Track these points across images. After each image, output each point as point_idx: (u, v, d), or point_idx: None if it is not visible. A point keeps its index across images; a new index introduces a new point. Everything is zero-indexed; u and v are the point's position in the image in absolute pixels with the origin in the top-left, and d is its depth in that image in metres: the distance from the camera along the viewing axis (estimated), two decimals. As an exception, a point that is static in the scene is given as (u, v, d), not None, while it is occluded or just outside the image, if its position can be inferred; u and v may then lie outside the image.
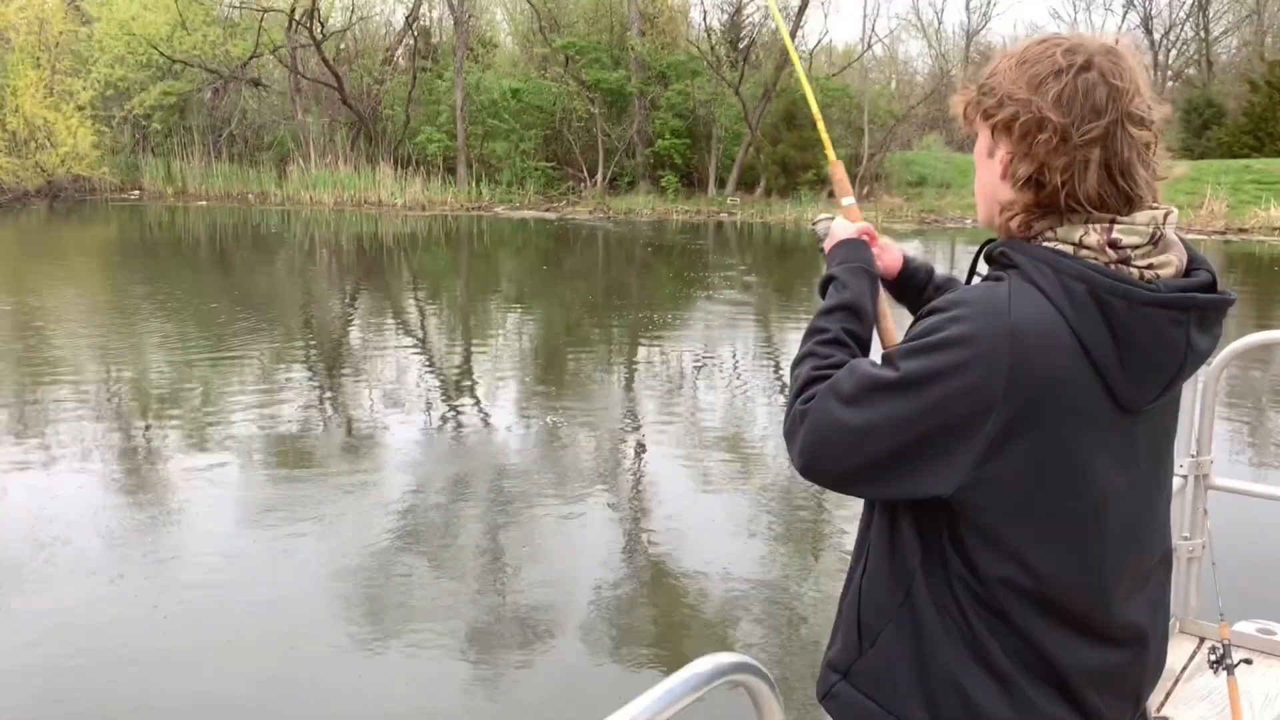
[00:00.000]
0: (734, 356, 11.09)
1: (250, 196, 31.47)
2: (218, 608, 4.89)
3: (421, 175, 31.33)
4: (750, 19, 34.11)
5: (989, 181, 1.45)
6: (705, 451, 7.51)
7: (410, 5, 35.48)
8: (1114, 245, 1.34)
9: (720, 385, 9.67)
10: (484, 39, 38.04)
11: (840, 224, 1.79)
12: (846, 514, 6.25)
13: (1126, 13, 45.96)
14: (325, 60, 32.22)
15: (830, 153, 2.06)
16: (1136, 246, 1.35)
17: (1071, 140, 1.33)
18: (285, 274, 18.23)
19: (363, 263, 20.10)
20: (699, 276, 17.74)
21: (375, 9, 37.90)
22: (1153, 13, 44.88)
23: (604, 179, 31.57)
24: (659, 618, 5.01)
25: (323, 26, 32.91)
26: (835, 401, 1.40)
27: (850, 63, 34.55)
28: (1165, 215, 1.37)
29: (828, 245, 1.79)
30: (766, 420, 8.27)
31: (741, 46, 32.94)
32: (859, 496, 1.49)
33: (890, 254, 1.85)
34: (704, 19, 34.71)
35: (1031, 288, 1.33)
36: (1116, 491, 1.39)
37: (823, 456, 1.41)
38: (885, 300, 1.77)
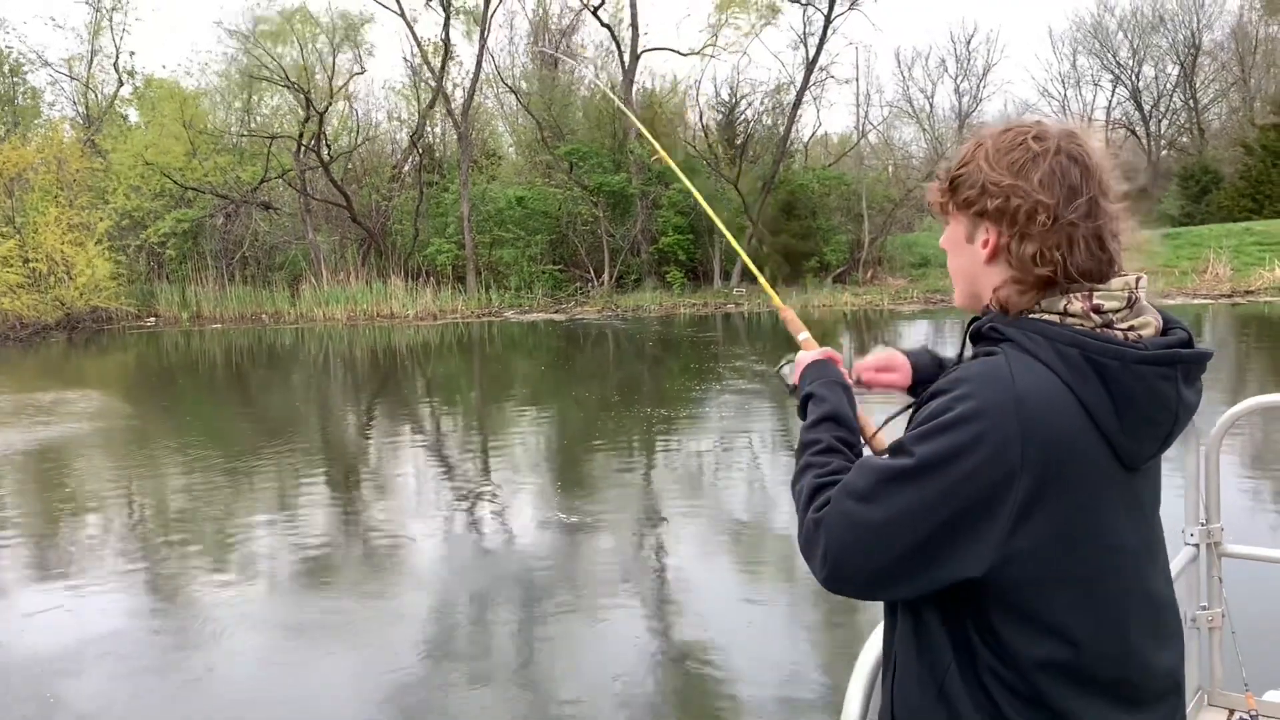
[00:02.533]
0: (750, 447, 11.09)
1: (264, 316, 32.01)
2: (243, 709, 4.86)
3: (432, 285, 31.87)
4: (743, 116, 34.97)
5: (969, 265, 1.52)
6: (731, 548, 7.46)
7: (415, 124, 36.50)
8: (1097, 310, 1.40)
9: (740, 477, 9.66)
10: (488, 151, 39.04)
11: (802, 354, 1.86)
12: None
13: (1115, 87, 46.97)
14: (333, 180, 33.11)
15: (777, 300, 2.16)
16: (1116, 310, 1.41)
17: (1062, 219, 1.40)
18: (302, 390, 18.42)
19: (377, 374, 20.30)
20: (710, 368, 17.84)
21: (381, 128, 39.05)
22: (1140, 86, 45.84)
23: (610, 278, 32.03)
24: (688, 714, 4.94)
25: (329, 148, 33.91)
26: (852, 501, 1.39)
27: (845, 152, 35.24)
28: (1137, 280, 1.44)
29: (795, 374, 1.83)
30: (789, 511, 8.24)
31: (738, 143, 33.69)
32: (889, 598, 1.46)
33: (895, 366, 1.93)
34: (700, 118, 35.55)
35: (1028, 357, 1.38)
36: (1134, 549, 1.43)
37: (847, 561, 1.38)
38: (863, 409, 1.79)
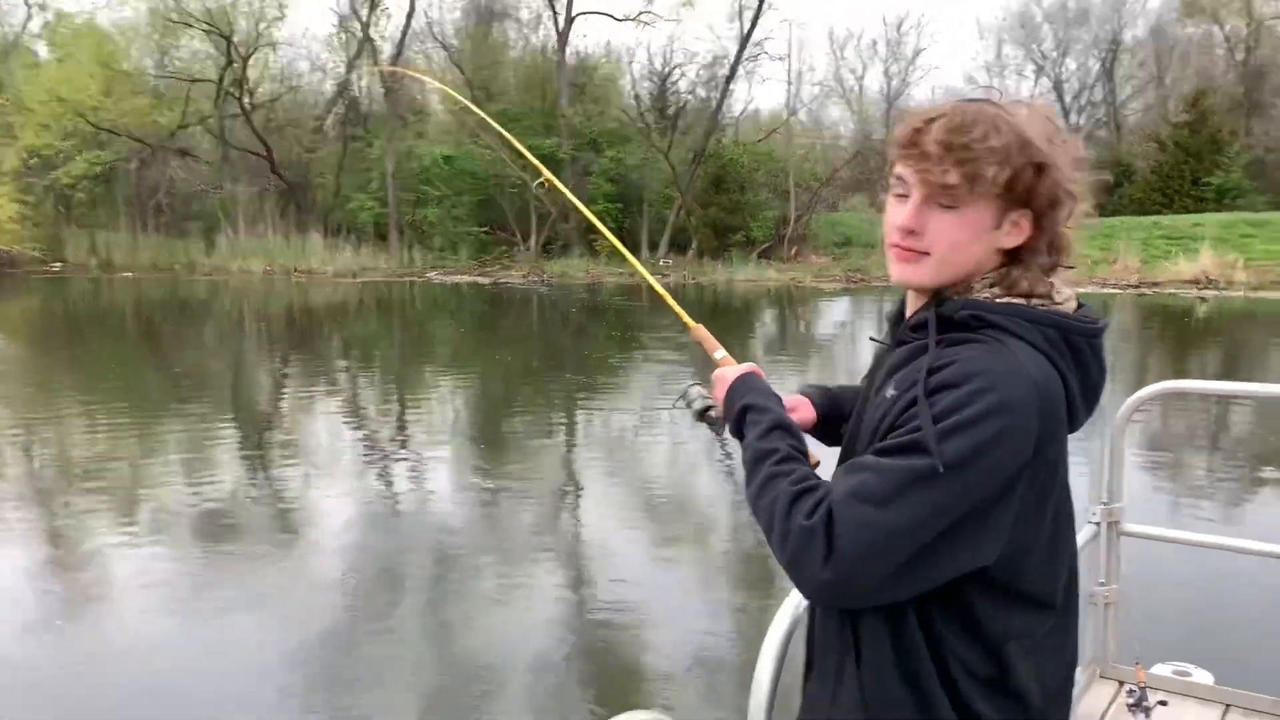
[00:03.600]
0: (672, 417, 11.15)
1: (177, 267, 31.01)
2: (153, 688, 4.74)
3: (353, 242, 31.22)
4: (676, 87, 34.89)
5: (985, 250, 1.43)
6: (646, 513, 7.49)
7: (340, 75, 35.64)
8: (1053, 288, 1.44)
9: (661, 446, 9.71)
10: (415, 107, 38.30)
11: (721, 371, 1.75)
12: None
13: (1038, 78, 47.96)
14: (254, 129, 32.14)
15: (687, 318, 1.99)
16: (1053, 287, 1.44)
17: (1067, 204, 1.42)
18: (215, 346, 17.94)
19: (293, 332, 19.87)
20: (634, 337, 17.86)
21: (305, 79, 38.01)
22: (1063, 77, 46.95)
23: (537, 243, 31.78)
24: (598, 681, 4.97)
25: (251, 96, 32.87)
26: (868, 506, 1.31)
27: (775, 128, 35.41)
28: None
29: (718, 392, 1.72)
30: (708, 479, 8.33)
31: (670, 114, 33.61)
32: (899, 598, 1.37)
33: (794, 406, 1.78)
34: (633, 88, 35.36)
35: (1027, 345, 1.37)
36: (1071, 513, 1.48)
37: (863, 568, 1.31)
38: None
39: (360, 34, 34.02)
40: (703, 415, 1.84)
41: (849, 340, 16.30)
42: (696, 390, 1.86)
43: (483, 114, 2.99)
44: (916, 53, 49.68)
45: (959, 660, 1.38)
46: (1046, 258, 1.43)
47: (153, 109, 32.72)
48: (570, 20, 33.29)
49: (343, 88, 35.73)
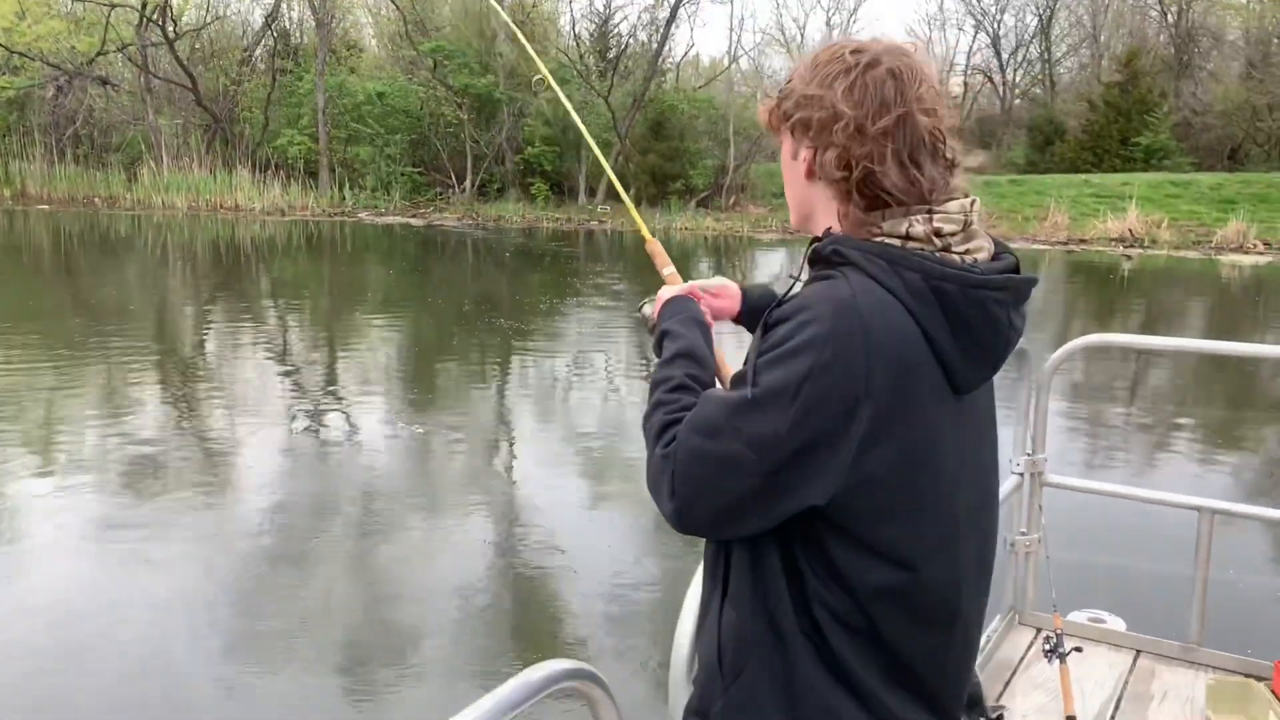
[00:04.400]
0: (606, 365, 11.11)
1: (97, 200, 29.93)
2: (71, 639, 4.61)
3: (281, 179, 30.40)
4: (617, 29, 34.38)
5: (797, 184, 1.49)
6: (577, 462, 7.47)
7: (269, 5, 34.42)
8: (938, 234, 1.38)
9: (593, 394, 9.67)
10: (347, 41, 37.22)
11: (665, 289, 1.81)
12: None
13: (977, 33, 48.28)
14: (179, 59, 30.98)
15: (645, 230, 2.09)
16: (953, 234, 1.39)
17: (867, 132, 1.38)
18: (137, 283, 17.39)
19: (219, 270, 19.34)
20: (571, 284, 17.74)
21: (232, 8, 36.67)
22: (1001, 33, 47.25)
23: (473, 185, 31.29)
24: (524, 630, 4.96)
25: (175, 24, 31.64)
26: (698, 437, 1.35)
27: (716, 75, 35.17)
28: (971, 203, 1.42)
29: (655, 309, 1.78)
30: (639, 431, 8.32)
31: (610, 56, 33.14)
32: (738, 534, 1.40)
33: (728, 294, 1.89)
34: (573, 28, 34.76)
35: (871, 282, 1.34)
36: (965, 479, 1.44)
37: (696, 498, 1.35)
38: (721, 347, 1.75)
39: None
40: (651, 330, 1.90)
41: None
42: (650, 305, 1.90)
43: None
44: (859, 3, 49.39)
45: (825, 607, 1.37)
46: (856, 193, 1.40)
47: (70, 34, 31.29)
48: (510, -45, 32.46)
49: (271, 18, 34.53)
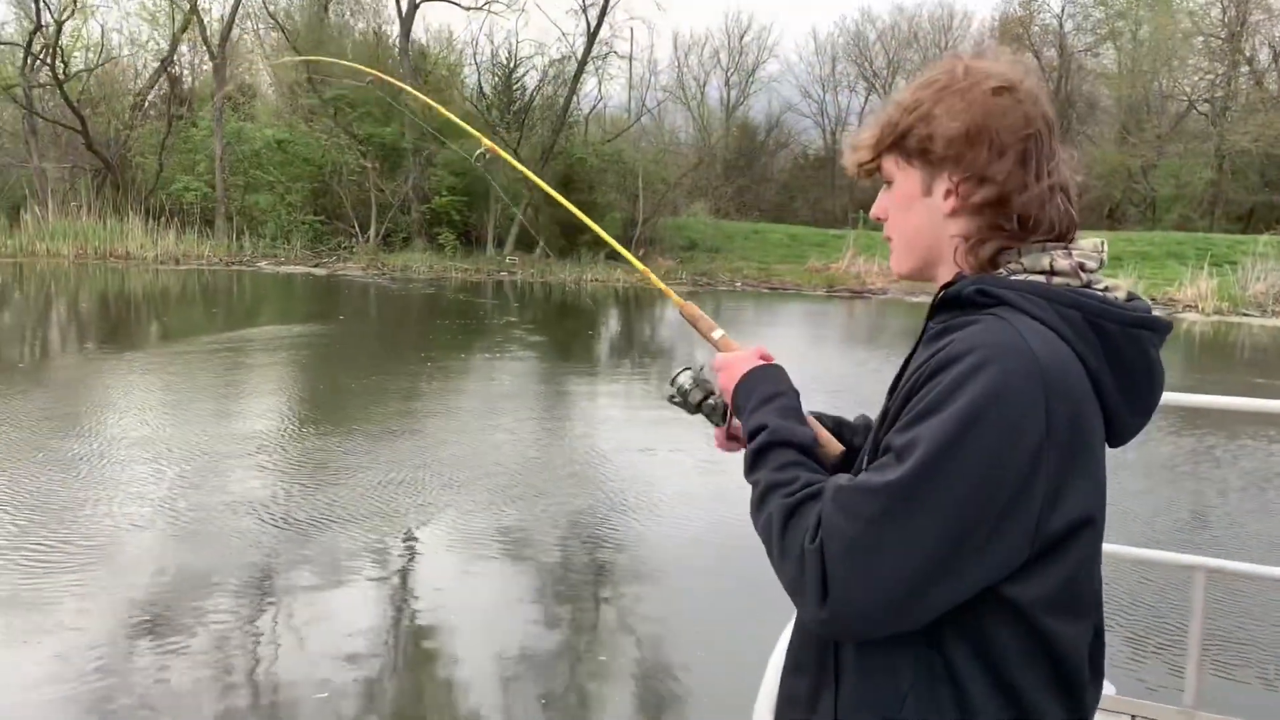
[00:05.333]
0: (521, 420, 10.89)
1: (-27, 247, 28.39)
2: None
3: (175, 227, 29.37)
4: (521, 82, 34.46)
5: (929, 222, 1.36)
6: (484, 523, 7.16)
7: (165, 49, 33.50)
8: (1083, 268, 1.29)
9: (506, 449, 9.43)
10: (244, 86, 36.44)
11: (726, 358, 1.58)
12: (628, 577, 6.17)
13: (869, 95, 49.98)
14: (68, 101, 29.81)
15: (675, 297, 1.88)
16: (1094, 271, 1.31)
17: (1030, 160, 1.29)
18: (13, 334, 16.45)
19: (105, 321, 18.45)
20: (481, 334, 17.46)
21: (124, 51, 35.56)
22: (895, 92, 49.05)
23: (377, 235, 30.76)
24: (411, 702, 4.69)
25: (65, 65, 30.48)
26: (853, 520, 1.17)
27: (622, 130, 35.53)
28: (1102, 242, 1.35)
29: (724, 382, 1.55)
30: (551, 487, 8.14)
31: (515, 110, 33.16)
32: (917, 625, 1.21)
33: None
34: (479, 79, 34.71)
35: (1033, 321, 1.22)
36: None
37: (857, 594, 1.16)
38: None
39: (187, 6, 31.97)
40: (700, 406, 1.65)
41: (689, 342, 16.38)
42: (687, 376, 1.66)
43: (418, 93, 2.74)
44: (757, 65, 50.68)
45: (974, 706, 1.21)
46: (1010, 226, 1.30)
47: (-53, 71, 29.90)
48: (415, 6, 32.36)
49: (167, 61, 33.59)
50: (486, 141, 2.43)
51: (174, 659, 4.85)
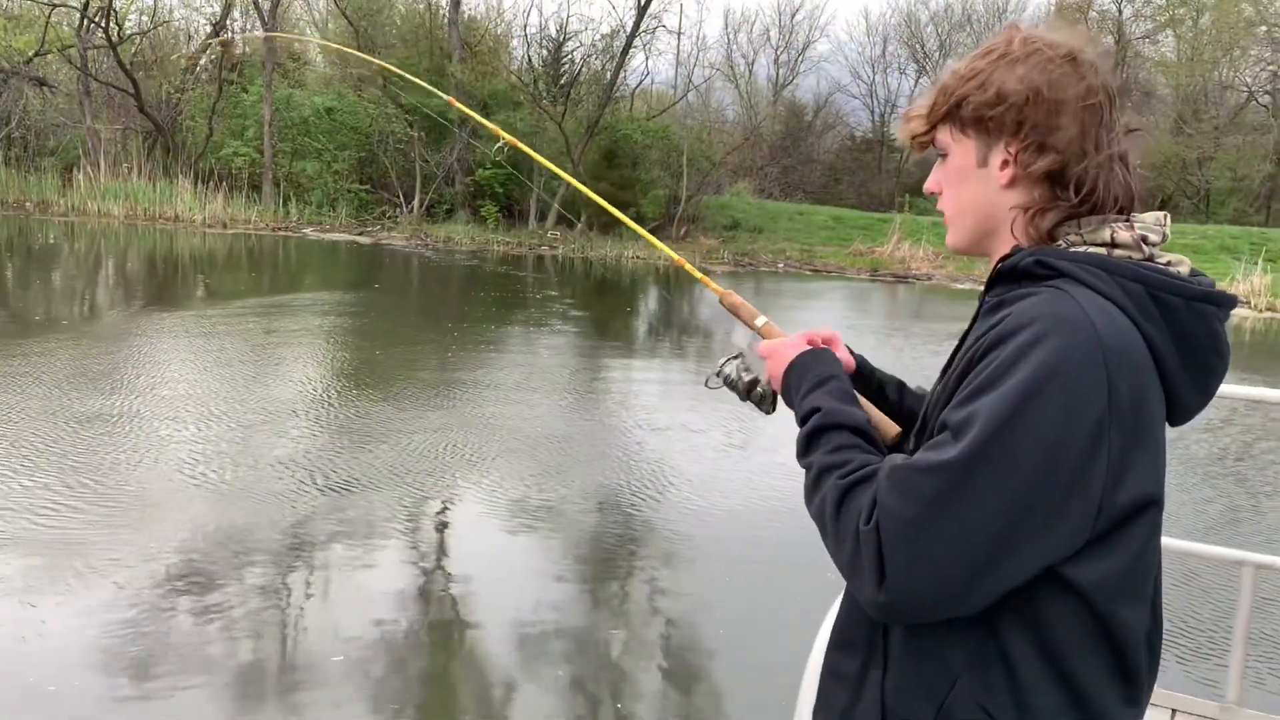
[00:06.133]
0: (555, 394, 10.91)
1: (29, 205, 28.88)
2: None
3: (224, 191, 29.69)
4: (570, 55, 34.36)
5: (985, 194, 1.33)
6: (517, 494, 7.17)
7: (218, 13, 33.77)
8: (1145, 241, 1.25)
9: (542, 418, 9.45)
10: (294, 54, 36.66)
11: (772, 344, 1.56)
12: (655, 556, 6.17)
13: (920, 77, 49.24)
14: (121, 63, 30.15)
15: (716, 287, 1.85)
16: (1157, 244, 1.27)
17: (1089, 130, 1.25)
18: (64, 292, 16.74)
19: (153, 281, 18.72)
20: (522, 308, 17.52)
21: (177, 15, 35.91)
22: (948, 66, 48.30)
23: (421, 205, 30.91)
24: (438, 674, 4.71)
25: (119, 28, 30.83)
26: (911, 501, 1.14)
27: (669, 106, 35.32)
28: (1166, 215, 1.30)
29: (773, 368, 1.53)
30: (584, 461, 8.15)
31: (562, 83, 33.10)
32: (963, 613, 1.18)
33: (838, 344, 1.63)
34: (526, 50, 34.67)
35: (1093, 293, 1.18)
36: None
37: (916, 575, 1.13)
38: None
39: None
40: (749, 393, 1.64)
41: (727, 321, 16.40)
42: (734, 365, 1.65)
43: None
44: (807, 44, 50.11)
45: (1027, 690, 1.18)
46: (1069, 196, 1.26)
47: (6, 32, 30.31)
48: (466, -24, 32.29)
49: (220, 26, 33.87)
50: (505, 135, 2.41)
51: (206, 617, 4.92)
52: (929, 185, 1.42)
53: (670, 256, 2.04)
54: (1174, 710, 3.24)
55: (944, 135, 1.36)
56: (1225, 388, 2.67)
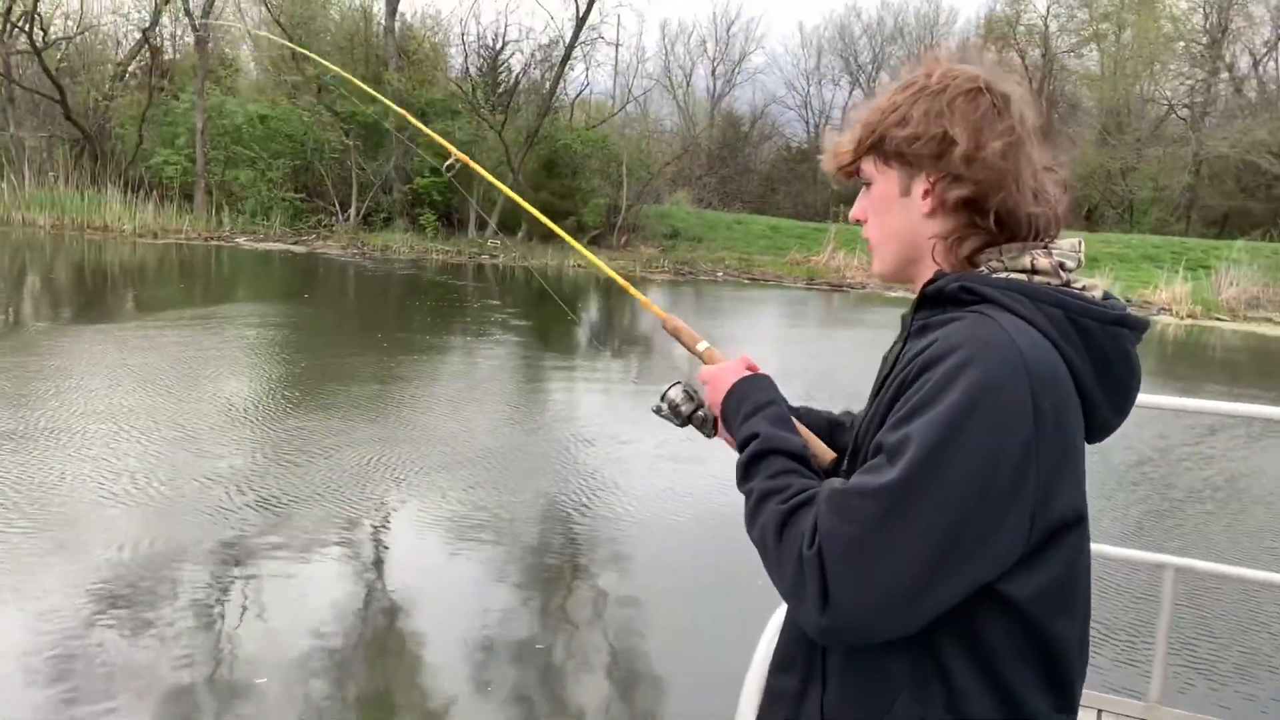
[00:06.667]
0: (494, 404, 10.86)
1: (-53, 214, 27.98)
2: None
3: (154, 201, 29.04)
4: (507, 64, 34.25)
5: (908, 222, 1.37)
6: (456, 507, 7.13)
7: (148, 19, 33.04)
8: (1063, 268, 1.30)
9: (480, 431, 9.41)
10: (226, 61, 36.05)
11: (712, 370, 1.57)
12: (595, 566, 6.19)
13: (853, 89, 50.03)
14: (46, 69, 29.38)
15: (659, 311, 1.85)
16: (1073, 270, 1.32)
17: (1005, 161, 1.30)
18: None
19: (80, 293, 18.25)
20: (461, 317, 17.40)
21: (105, 20, 35.08)
22: (876, 90, 49.08)
23: (358, 214, 30.55)
24: (378, 689, 4.68)
25: (44, 33, 30.05)
26: (849, 522, 1.15)
27: (609, 116, 35.39)
28: (1080, 242, 1.36)
29: (712, 395, 1.54)
30: (524, 476, 8.13)
31: (500, 92, 32.98)
32: (903, 633, 1.20)
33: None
34: (465, 60, 34.48)
35: (1017, 319, 1.22)
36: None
37: (856, 596, 1.14)
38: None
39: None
40: (690, 418, 1.66)
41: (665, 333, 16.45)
42: (677, 391, 1.66)
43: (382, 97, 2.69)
44: (743, 55, 50.60)
45: (963, 699, 1.22)
46: (988, 224, 1.31)
47: (-77, 36, 29.39)
48: (402, -14, 32.04)
49: (150, 33, 33.15)
50: (456, 152, 2.41)
51: (136, 635, 4.82)
52: (854, 213, 1.46)
53: (611, 277, 2.03)
54: (1100, 710, 3.32)
55: (868, 166, 1.41)
56: (1144, 397, 2.77)
